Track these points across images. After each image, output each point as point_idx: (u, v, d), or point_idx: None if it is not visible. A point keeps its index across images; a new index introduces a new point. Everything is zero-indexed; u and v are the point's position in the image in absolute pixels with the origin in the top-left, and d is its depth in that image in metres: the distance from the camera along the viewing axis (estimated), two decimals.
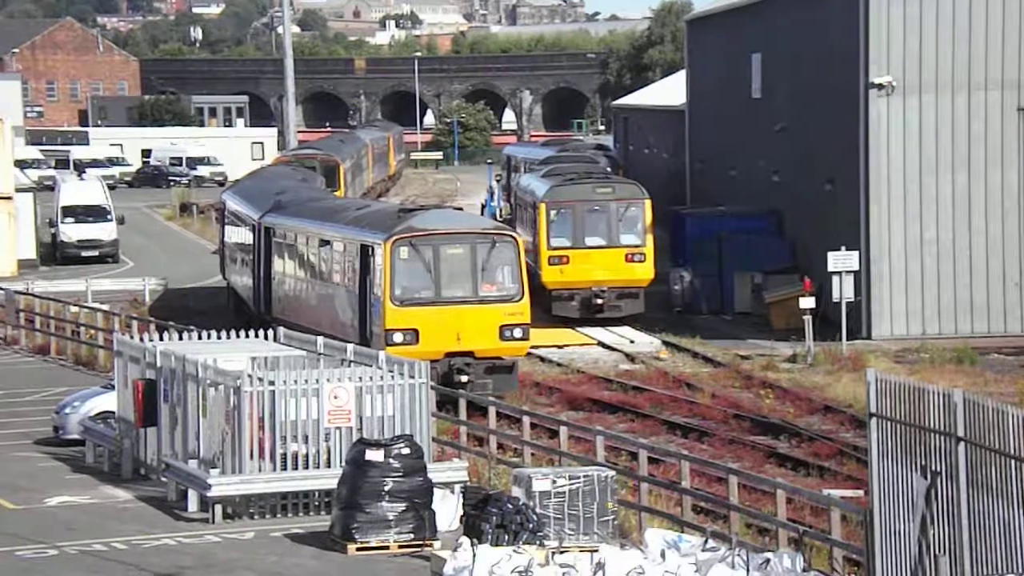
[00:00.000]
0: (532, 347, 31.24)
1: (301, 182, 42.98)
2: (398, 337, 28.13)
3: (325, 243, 31.54)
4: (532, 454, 22.82)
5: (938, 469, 14.20)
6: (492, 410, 23.78)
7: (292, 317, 31.93)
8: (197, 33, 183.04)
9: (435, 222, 29.27)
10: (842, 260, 35.23)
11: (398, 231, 28.64)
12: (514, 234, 29.75)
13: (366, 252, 29.33)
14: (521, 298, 28.78)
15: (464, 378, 28.17)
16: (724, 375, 33.48)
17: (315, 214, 33.50)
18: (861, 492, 20.09)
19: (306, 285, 32.62)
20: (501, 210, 60.17)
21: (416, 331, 28.29)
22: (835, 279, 35.08)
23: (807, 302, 34.96)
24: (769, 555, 16.48)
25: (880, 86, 37.49)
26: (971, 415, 13.87)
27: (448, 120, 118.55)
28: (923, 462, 14.35)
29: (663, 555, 16.64)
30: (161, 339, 24.24)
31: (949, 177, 37.78)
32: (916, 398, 14.43)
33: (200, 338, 24.27)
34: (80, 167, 77.44)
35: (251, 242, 36.36)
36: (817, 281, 36.33)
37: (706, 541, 17.10)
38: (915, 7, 37.41)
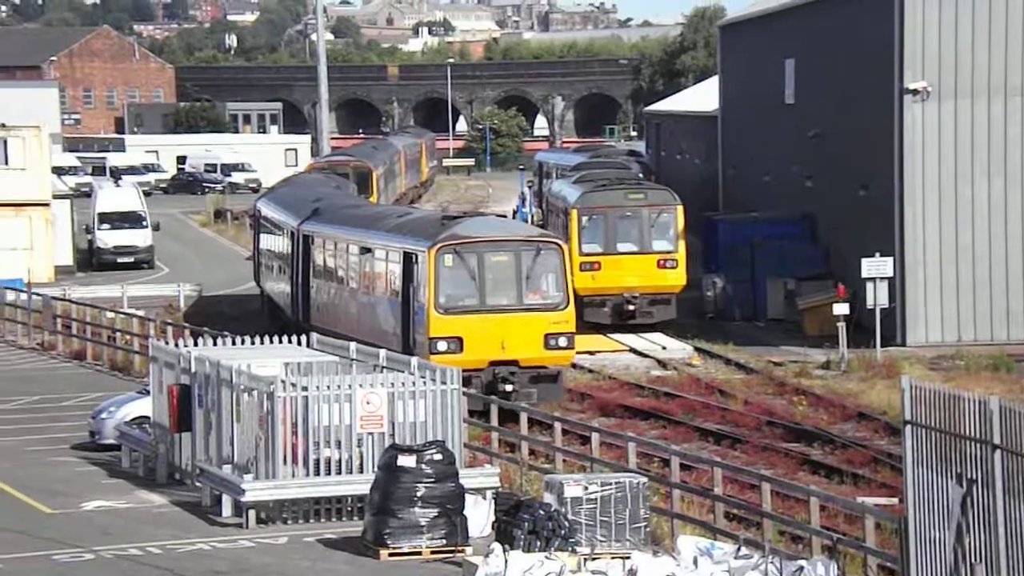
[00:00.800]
0: None
1: (336, 189, 43.13)
2: (442, 346, 27.85)
3: (366, 251, 31.30)
4: (564, 460, 22.81)
5: (974, 477, 14.11)
6: (524, 416, 23.79)
7: (331, 325, 31.57)
8: (232, 40, 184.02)
9: (479, 229, 29.00)
10: (876, 266, 35.07)
11: (442, 239, 28.37)
12: (559, 241, 29.51)
13: (409, 260, 29.05)
14: (566, 306, 28.45)
15: (509, 387, 27.83)
16: (757, 382, 33.37)
17: (355, 221, 33.30)
18: (895, 500, 19.98)
19: (346, 293, 32.33)
20: (533, 216, 60.21)
21: (460, 339, 28.00)
22: (869, 285, 34.93)
23: (841, 308, 34.82)
24: (803, 563, 16.42)
25: (915, 91, 37.32)
26: (1007, 422, 13.79)
27: (480, 126, 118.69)
28: (959, 470, 14.27)
29: (696, 562, 16.61)
30: (196, 345, 24.36)
31: (985, 183, 37.56)
32: (951, 405, 14.35)
33: (234, 344, 24.38)
34: (116, 174, 78.00)
35: (289, 249, 36.03)
36: (851, 287, 36.18)
37: (739, 548, 17.05)
38: (950, 11, 37.22)
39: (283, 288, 37.30)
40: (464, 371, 27.07)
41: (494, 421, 24.38)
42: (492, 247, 28.40)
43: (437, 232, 28.85)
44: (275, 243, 38.86)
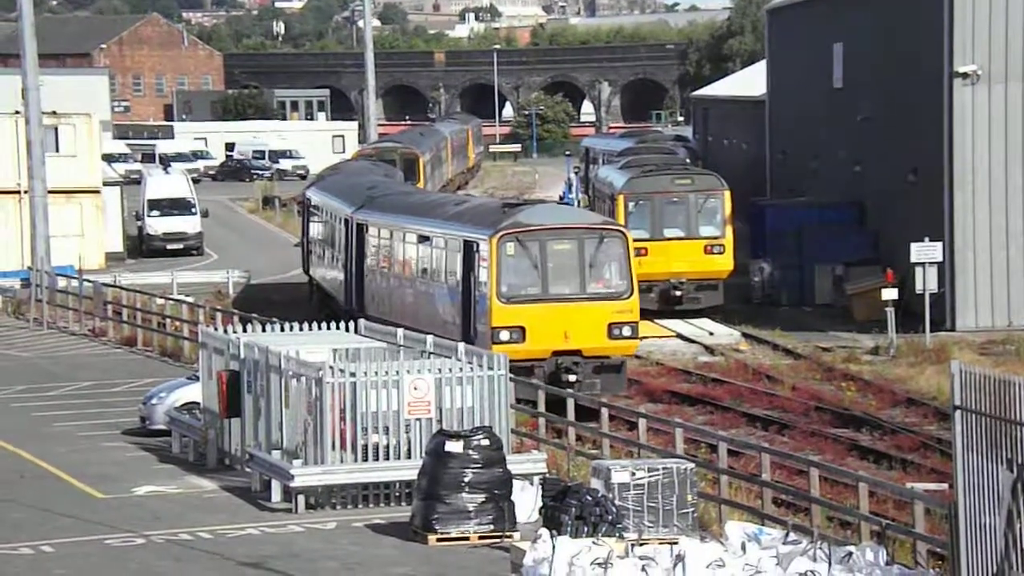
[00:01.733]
0: None
1: (385, 177, 43.09)
2: (504, 335, 27.55)
3: (424, 239, 31.00)
4: (611, 446, 22.83)
5: None
6: (571, 402, 23.82)
7: (386, 314, 31.20)
8: (279, 27, 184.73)
9: (542, 217, 28.62)
10: (926, 251, 34.82)
11: (504, 226, 28.03)
12: (623, 228, 29.21)
13: (470, 248, 28.73)
14: (630, 295, 28.13)
15: (572, 378, 27.44)
16: (805, 367, 33.23)
17: (412, 210, 32.98)
18: (945, 486, 19.88)
19: (402, 282, 32.03)
20: (579, 202, 60.15)
21: (523, 329, 27.67)
22: (918, 270, 34.69)
23: (890, 293, 34.60)
24: (851, 548, 16.37)
25: (965, 75, 36.97)
26: None
27: (527, 112, 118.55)
28: (1009, 455, 14.17)
29: (743, 548, 16.59)
30: (245, 331, 24.52)
31: None
32: (1002, 390, 14.25)
33: (283, 330, 24.54)
34: (165, 161, 78.54)
35: (342, 238, 35.67)
36: (900, 272, 35.93)
37: (787, 534, 17.02)
38: None
39: (335, 276, 37.18)
40: (526, 361, 27.10)
41: (541, 407, 24.42)
42: (555, 235, 28.06)
43: (499, 220, 28.51)
44: (327, 232, 38.74)
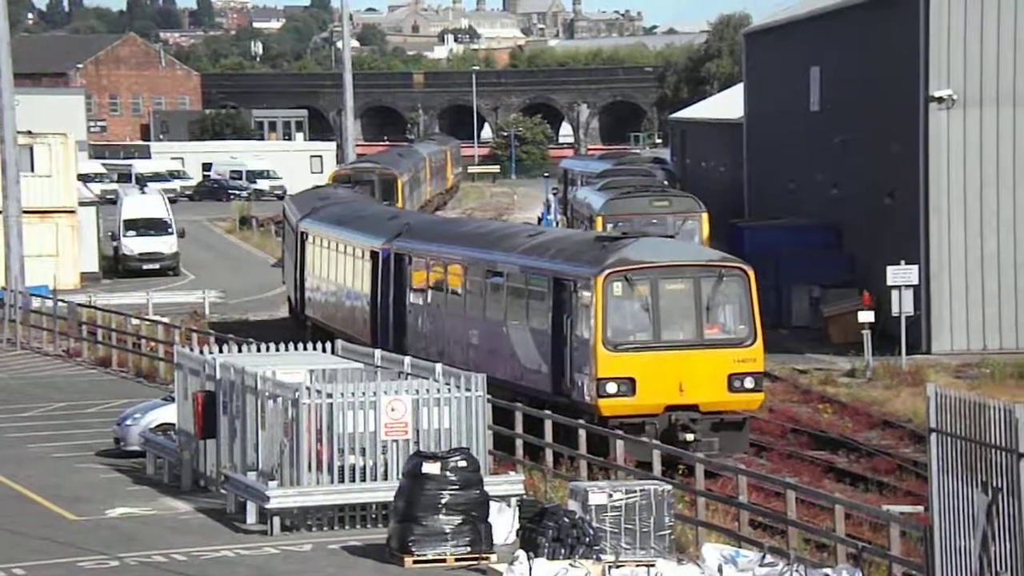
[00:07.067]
0: None
1: (388, 204, 41.50)
2: (612, 387, 24.34)
3: (494, 274, 27.68)
4: (589, 467, 22.76)
5: (999, 485, 14.05)
6: (548, 423, 23.79)
7: (436, 356, 27.31)
8: (257, 48, 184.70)
9: (652, 253, 25.29)
10: (902, 274, 34.95)
11: (611, 263, 24.69)
12: (744, 266, 25.35)
13: (563, 287, 25.45)
14: (753, 342, 24.90)
15: (690, 436, 24.30)
16: (782, 389, 33.29)
17: (471, 240, 29.75)
18: (921, 508, 19.91)
19: (461, 321, 28.60)
20: (558, 223, 60.23)
21: (632, 381, 24.42)
22: (894, 293, 34.82)
23: (866, 316, 34.70)
24: (827, 571, 16.39)
25: (940, 99, 37.20)
26: None
27: (505, 134, 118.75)
28: (984, 478, 14.20)
29: (720, 570, 16.59)
30: (221, 351, 24.44)
31: (1010, 190, 37.40)
32: (977, 413, 14.29)
33: (259, 350, 24.45)
34: (142, 181, 78.35)
35: (369, 274, 32.24)
36: (876, 295, 36.07)
37: (764, 556, 17.02)
38: (975, 19, 37.08)
39: (354, 315, 33.42)
40: (636, 417, 24.13)
41: (518, 428, 24.37)
42: (668, 273, 24.81)
43: (602, 256, 25.11)
44: (338, 267, 34.91)
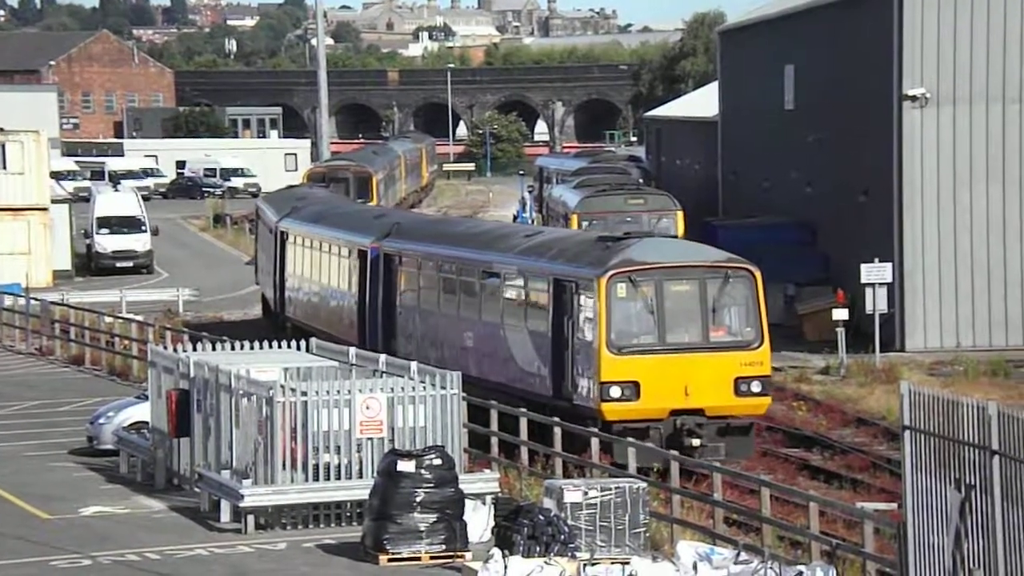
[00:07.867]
0: None
1: (351, 200, 41.20)
2: (615, 391, 23.81)
3: (491, 275, 27.06)
4: (564, 464, 22.77)
5: (972, 482, 14.11)
6: (524, 421, 23.78)
7: (428, 359, 26.44)
8: (231, 45, 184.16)
9: (657, 253, 24.77)
10: (875, 272, 35.07)
11: (614, 264, 24.16)
12: (751, 267, 24.82)
13: (564, 289, 24.89)
14: (760, 344, 24.40)
15: (696, 441, 23.84)
16: None
17: (463, 240, 29.03)
18: (895, 505, 19.99)
19: (454, 322, 27.98)
20: (533, 221, 60.26)
21: (637, 385, 23.95)
22: (868, 291, 34.93)
23: (840, 314, 34.82)
24: (801, 568, 16.43)
25: (914, 97, 37.34)
26: (1005, 428, 13.78)
27: (480, 131, 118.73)
28: (957, 475, 14.26)
29: (695, 567, 16.62)
30: (194, 349, 24.36)
31: (983, 189, 37.58)
32: (950, 411, 14.35)
33: (233, 349, 24.37)
34: (115, 178, 78.03)
35: (356, 274, 31.75)
36: (850, 293, 36.19)
37: (738, 554, 17.06)
38: (949, 18, 37.24)
39: (340, 316, 32.84)
40: (640, 421, 23.64)
41: (494, 426, 24.36)
42: (673, 274, 24.33)
43: (605, 257, 24.55)
44: (324, 268, 34.26)
